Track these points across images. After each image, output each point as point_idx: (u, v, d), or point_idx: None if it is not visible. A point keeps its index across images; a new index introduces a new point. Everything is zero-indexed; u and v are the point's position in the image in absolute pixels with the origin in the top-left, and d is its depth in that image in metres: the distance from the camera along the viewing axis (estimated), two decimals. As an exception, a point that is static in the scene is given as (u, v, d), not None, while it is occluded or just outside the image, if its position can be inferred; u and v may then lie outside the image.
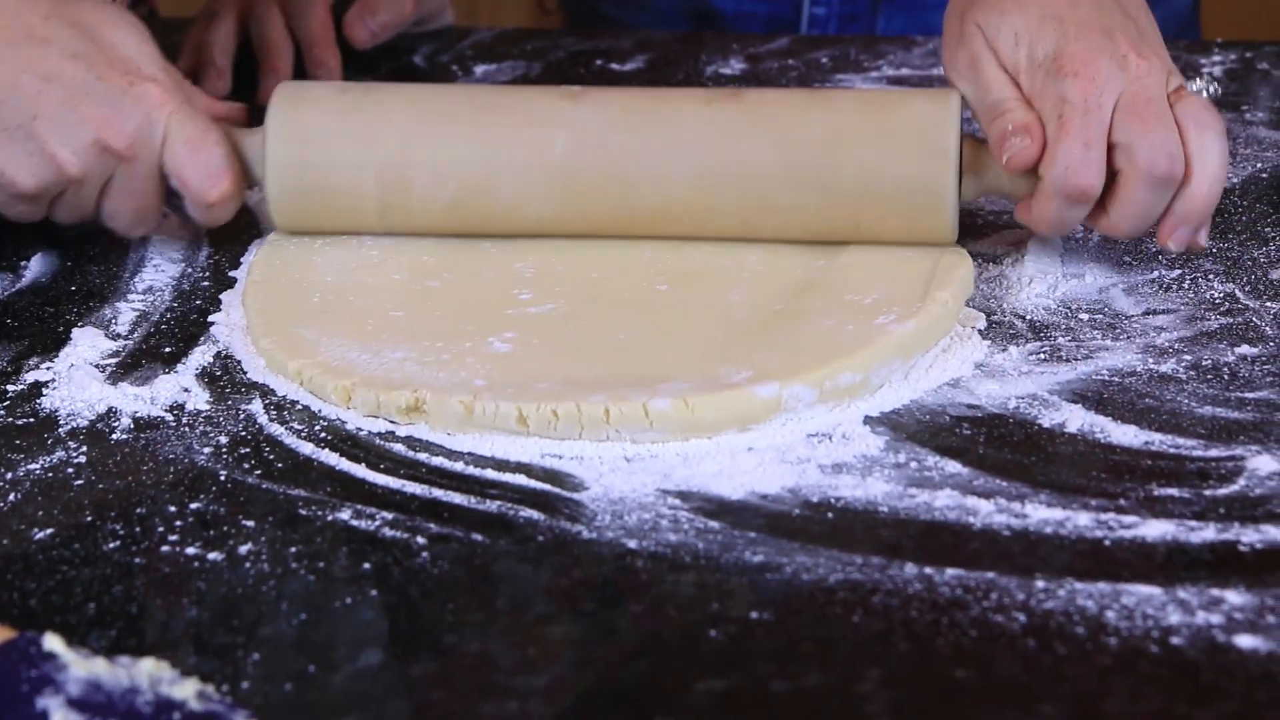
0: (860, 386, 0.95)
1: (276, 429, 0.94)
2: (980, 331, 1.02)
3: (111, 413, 0.96)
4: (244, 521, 0.86)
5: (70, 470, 0.91)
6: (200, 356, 1.01)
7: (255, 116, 1.38)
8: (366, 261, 1.09)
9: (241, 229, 1.14)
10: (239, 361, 1.01)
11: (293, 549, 0.84)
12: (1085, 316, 1.03)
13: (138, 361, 1.01)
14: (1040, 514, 0.85)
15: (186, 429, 0.94)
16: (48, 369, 1.00)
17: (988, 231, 1.13)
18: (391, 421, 0.94)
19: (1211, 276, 1.07)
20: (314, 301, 1.05)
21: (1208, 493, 0.87)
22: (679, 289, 1.06)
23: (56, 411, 0.96)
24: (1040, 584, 0.80)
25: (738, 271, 1.07)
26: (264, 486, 0.89)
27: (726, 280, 1.06)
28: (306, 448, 0.92)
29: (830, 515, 0.86)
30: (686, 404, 0.92)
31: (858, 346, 0.97)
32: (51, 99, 1.04)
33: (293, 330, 1.02)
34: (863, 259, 1.07)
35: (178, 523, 0.86)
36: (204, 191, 1.07)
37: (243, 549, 0.84)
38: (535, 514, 0.86)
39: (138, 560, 0.83)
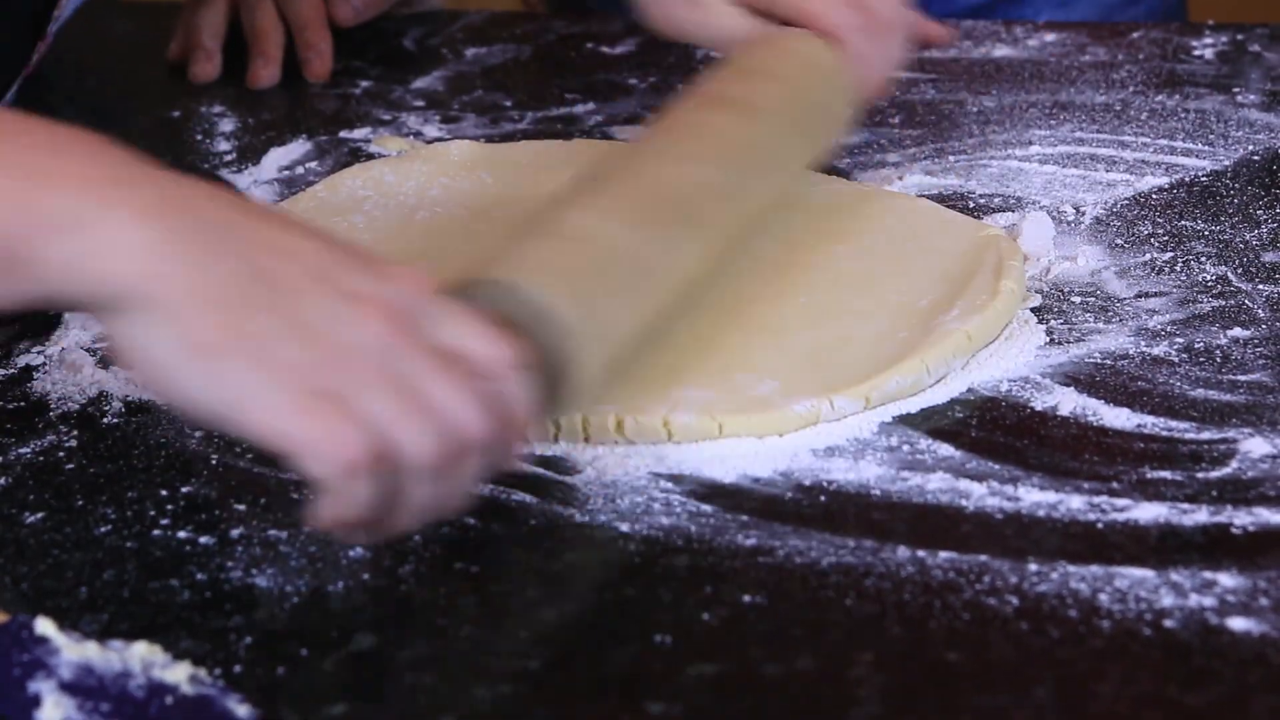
0: (912, 387, 0.93)
1: (268, 413, 0.94)
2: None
3: (103, 396, 0.95)
4: (236, 505, 0.86)
5: (61, 454, 0.90)
6: (191, 340, 1.01)
7: (246, 100, 1.38)
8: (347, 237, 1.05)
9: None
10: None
11: (284, 532, 0.84)
12: (1077, 299, 1.03)
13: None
14: (1033, 497, 0.85)
15: (178, 413, 0.94)
16: (39, 353, 1.00)
17: (978, 215, 1.13)
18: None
19: (1204, 259, 1.07)
20: None
21: (1200, 475, 0.87)
22: (686, 284, 0.99)
23: (48, 395, 0.96)
24: (1033, 567, 0.80)
25: (750, 263, 1.03)
26: (256, 470, 0.89)
27: (739, 274, 1.02)
28: (298, 431, 0.92)
29: (823, 498, 0.86)
30: (714, 420, 0.89)
31: (912, 352, 0.94)
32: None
33: None
34: (893, 255, 1.04)
35: (169, 506, 0.86)
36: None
37: (234, 532, 0.84)
38: (527, 497, 0.86)
39: (129, 544, 0.83)
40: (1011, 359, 0.97)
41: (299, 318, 0.76)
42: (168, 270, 0.75)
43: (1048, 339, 0.99)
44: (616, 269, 0.89)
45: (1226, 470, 0.87)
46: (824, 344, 0.96)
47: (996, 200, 1.15)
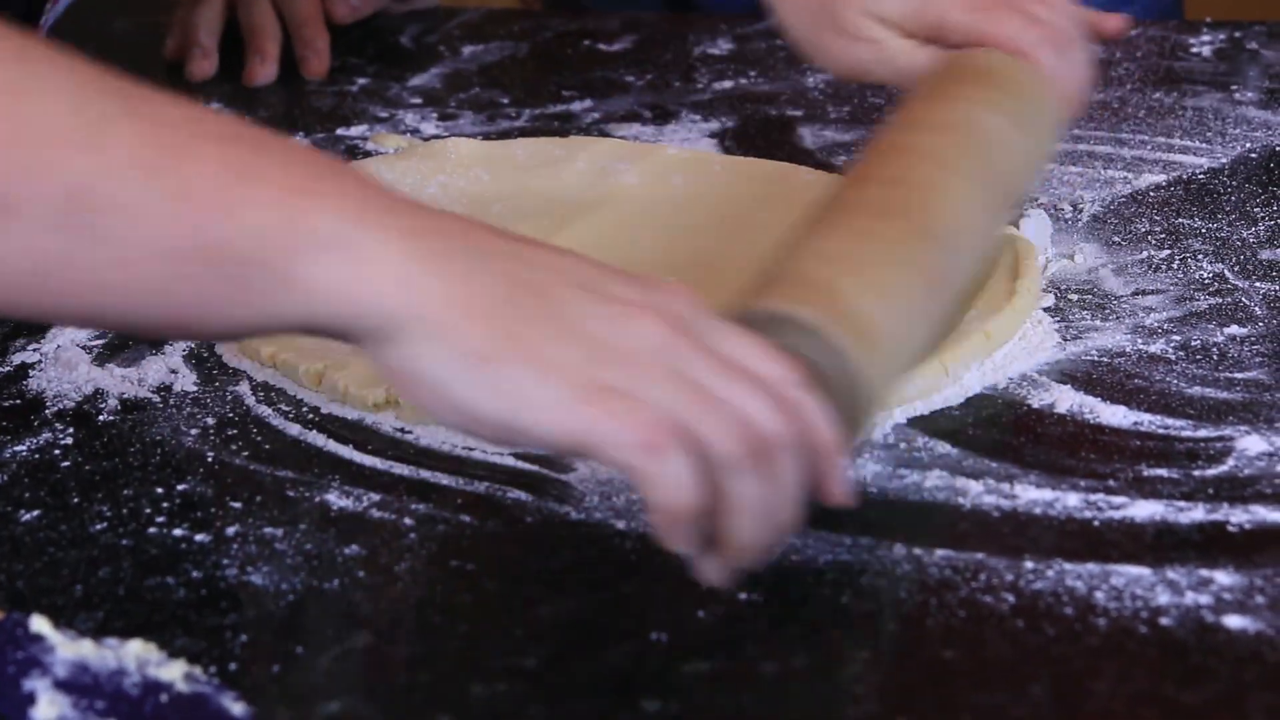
0: (930, 389, 0.92)
1: (264, 410, 0.94)
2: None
3: (99, 394, 0.95)
4: (231, 503, 0.86)
5: (57, 452, 0.90)
6: (187, 338, 1.01)
7: (243, 98, 1.38)
8: None
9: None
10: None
11: (280, 530, 0.84)
12: (1074, 297, 1.03)
13: (125, 343, 1.00)
14: (1029, 494, 0.85)
15: (174, 410, 0.94)
16: (34, 350, 1.00)
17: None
18: (376, 406, 0.93)
19: (1201, 257, 1.07)
20: None
21: (1197, 473, 0.87)
22: (685, 282, 1.01)
23: (43, 393, 0.96)
24: (1029, 564, 0.80)
25: (750, 262, 1.03)
26: (251, 468, 0.89)
27: (739, 272, 1.02)
28: (294, 429, 0.92)
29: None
30: None
31: (932, 354, 0.92)
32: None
33: None
34: None
35: (165, 504, 0.86)
36: None
37: (230, 530, 0.84)
38: (523, 495, 0.86)
39: (125, 542, 0.83)
40: (1027, 358, 0.96)
41: (571, 323, 0.74)
42: (434, 287, 0.73)
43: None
44: (898, 303, 0.84)
45: (1223, 468, 0.87)
46: None
47: (993, 198, 1.15)
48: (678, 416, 0.72)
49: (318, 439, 0.91)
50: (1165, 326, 1.00)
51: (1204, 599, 0.77)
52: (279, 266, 0.72)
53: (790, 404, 0.75)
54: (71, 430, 0.92)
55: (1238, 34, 1.42)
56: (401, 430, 0.91)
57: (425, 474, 0.88)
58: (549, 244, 0.78)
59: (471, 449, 0.90)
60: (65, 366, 0.98)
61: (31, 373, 0.98)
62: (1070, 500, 0.85)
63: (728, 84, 1.36)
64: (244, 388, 0.96)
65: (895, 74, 1.05)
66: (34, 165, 0.71)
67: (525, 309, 0.73)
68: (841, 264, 0.83)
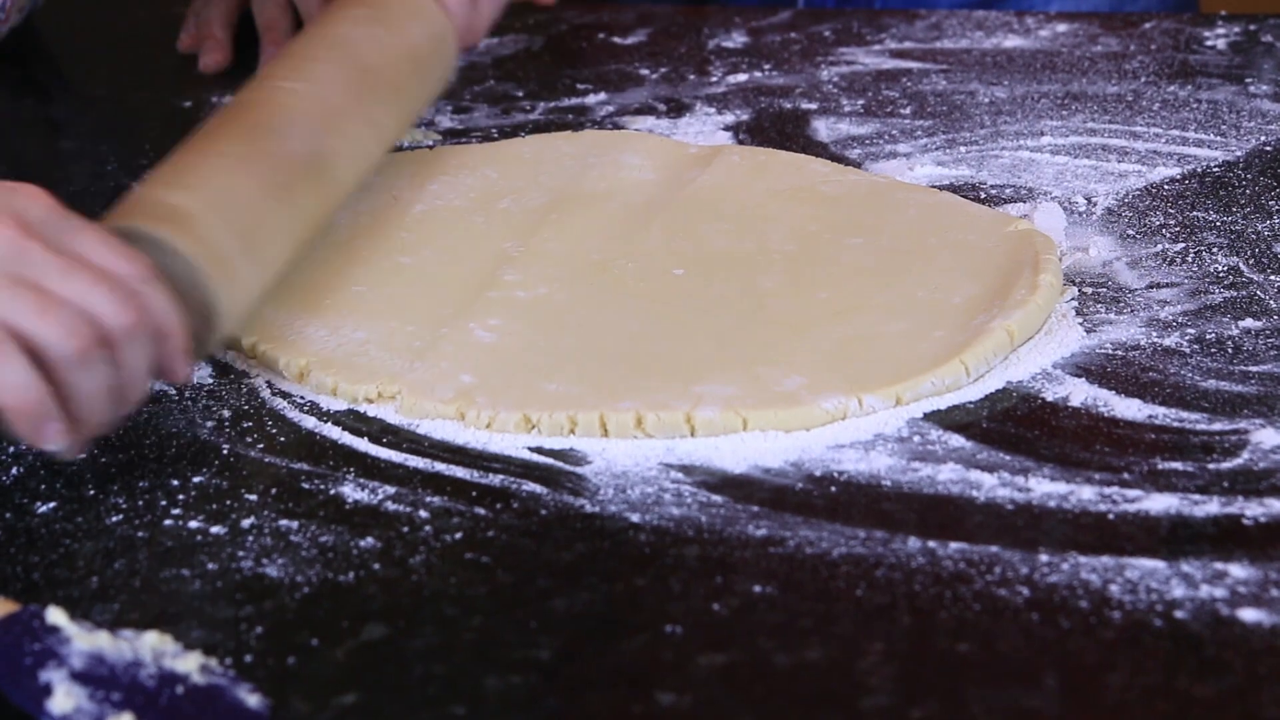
0: (949, 386, 0.92)
1: (279, 403, 0.94)
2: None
3: (114, 386, 0.95)
4: (246, 495, 0.86)
5: (73, 444, 0.90)
6: (202, 330, 1.01)
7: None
8: (330, 230, 1.04)
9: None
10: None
11: (295, 523, 0.84)
12: (1089, 290, 1.03)
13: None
14: (1044, 488, 0.85)
15: (189, 403, 0.94)
16: (50, 343, 1.00)
17: (990, 206, 1.13)
18: (369, 400, 0.93)
19: (1215, 250, 1.07)
20: None
21: (1211, 466, 0.87)
22: (698, 275, 1.00)
23: (59, 385, 0.96)
24: (1044, 558, 0.80)
25: (764, 255, 1.03)
26: (266, 460, 0.89)
27: (753, 265, 1.02)
28: (309, 421, 0.92)
29: (833, 489, 0.86)
30: (738, 415, 0.89)
31: (952, 352, 0.93)
32: None
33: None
34: (914, 249, 1.03)
35: (180, 496, 0.86)
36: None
37: (245, 522, 0.84)
38: (538, 488, 0.86)
39: (140, 533, 0.83)
40: (1051, 354, 0.96)
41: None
42: None
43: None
44: (246, 211, 0.94)
45: (1238, 461, 0.87)
46: (850, 340, 0.95)
47: (1008, 191, 1.15)
48: (12, 322, 0.79)
49: (333, 432, 0.91)
50: (1180, 320, 1.00)
51: (1219, 592, 0.77)
52: None
53: (135, 296, 0.83)
54: (87, 422, 0.92)
55: (1252, 27, 1.42)
56: (415, 423, 0.91)
57: (440, 467, 0.88)
58: None
59: (486, 443, 0.90)
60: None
61: (47, 365, 0.98)
62: (1085, 493, 0.85)
63: (742, 77, 1.36)
64: (259, 380, 0.96)
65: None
66: None
67: None
68: (186, 183, 0.93)
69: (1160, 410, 0.91)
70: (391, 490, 0.86)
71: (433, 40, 1.11)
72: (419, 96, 1.12)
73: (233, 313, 0.91)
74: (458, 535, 0.83)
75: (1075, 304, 1.01)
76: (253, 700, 0.71)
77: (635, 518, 0.84)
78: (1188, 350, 0.97)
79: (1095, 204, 1.13)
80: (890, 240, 1.05)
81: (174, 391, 0.95)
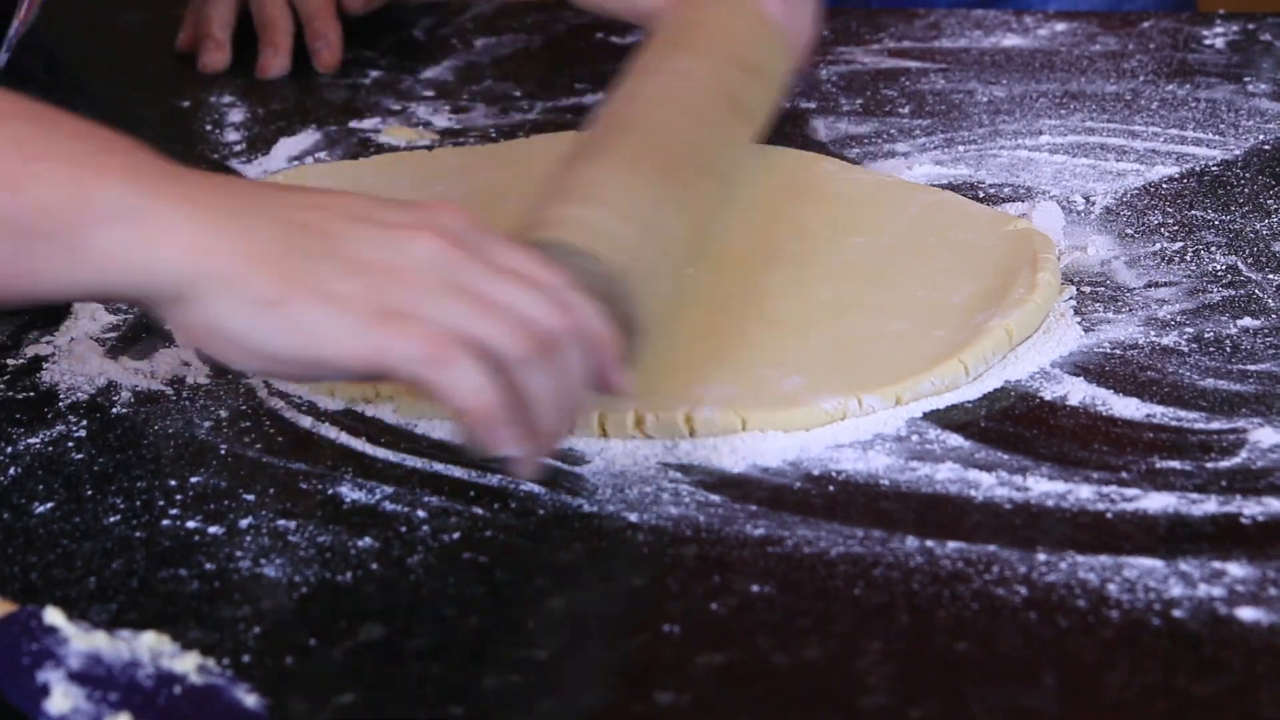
0: (948, 386, 0.92)
1: (276, 403, 0.94)
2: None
3: (112, 386, 0.95)
4: (244, 495, 0.86)
5: (70, 444, 0.90)
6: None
7: (255, 90, 1.38)
8: None
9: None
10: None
11: (293, 523, 0.84)
12: (1087, 289, 1.03)
13: (138, 335, 1.01)
14: (1042, 487, 0.85)
15: (187, 403, 0.94)
16: (48, 343, 1.00)
17: (988, 205, 1.13)
18: (366, 400, 0.93)
19: (1214, 249, 1.07)
20: None
21: (1210, 465, 0.87)
22: (701, 273, 1.00)
23: (57, 385, 0.96)
24: (1042, 557, 0.80)
25: (767, 253, 1.02)
26: (264, 460, 0.89)
27: (755, 263, 1.01)
28: (306, 421, 0.92)
29: (831, 488, 0.86)
30: (738, 415, 0.89)
31: (951, 352, 0.93)
32: None
33: None
34: (914, 248, 1.03)
35: (178, 496, 0.86)
36: None
37: (243, 522, 0.84)
38: (536, 488, 0.86)
39: (138, 534, 0.83)
40: (1050, 353, 0.96)
41: (351, 254, 0.78)
42: (221, 245, 0.78)
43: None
44: (651, 222, 0.92)
45: (1236, 460, 0.87)
46: (850, 339, 0.95)
47: (1006, 190, 1.15)
48: (461, 327, 0.78)
49: (330, 431, 0.91)
50: (1178, 319, 1.00)
51: (1217, 591, 0.77)
52: (68, 239, 0.77)
53: (565, 303, 0.81)
54: (85, 423, 0.92)
55: (1251, 26, 1.42)
56: (413, 422, 0.91)
57: (438, 466, 0.88)
58: (324, 188, 0.84)
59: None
60: (78, 359, 0.98)
61: (45, 365, 0.98)
62: (1083, 492, 0.85)
63: (740, 76, 1.36)
64: (256, 380, 0.96)
65: (631, 10, 1.15)
66: None
67: (307, 250, 0.78)
68: (603, 197, 0.92)
69: (1158, 409, 0.91)
70: (389, 490, 0.86)
71: (776, 61, 1.10)
72: (760, 126, 1.10)
73: (651, 323, 0.89)
74: (455, 535, 0.83)
75: (1074, 303, 1.01)
76: (250, 700, 0.71)
77: (633, 517, 0.84)
78: (1186, 349, 0.97)
79: (1094, 203, 1.13)
80: (891, 239, 1.05)
81: (170, 392, 0.95)
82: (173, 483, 0.87)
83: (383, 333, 0.77)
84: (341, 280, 0.78)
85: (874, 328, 0.96)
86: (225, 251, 0.78)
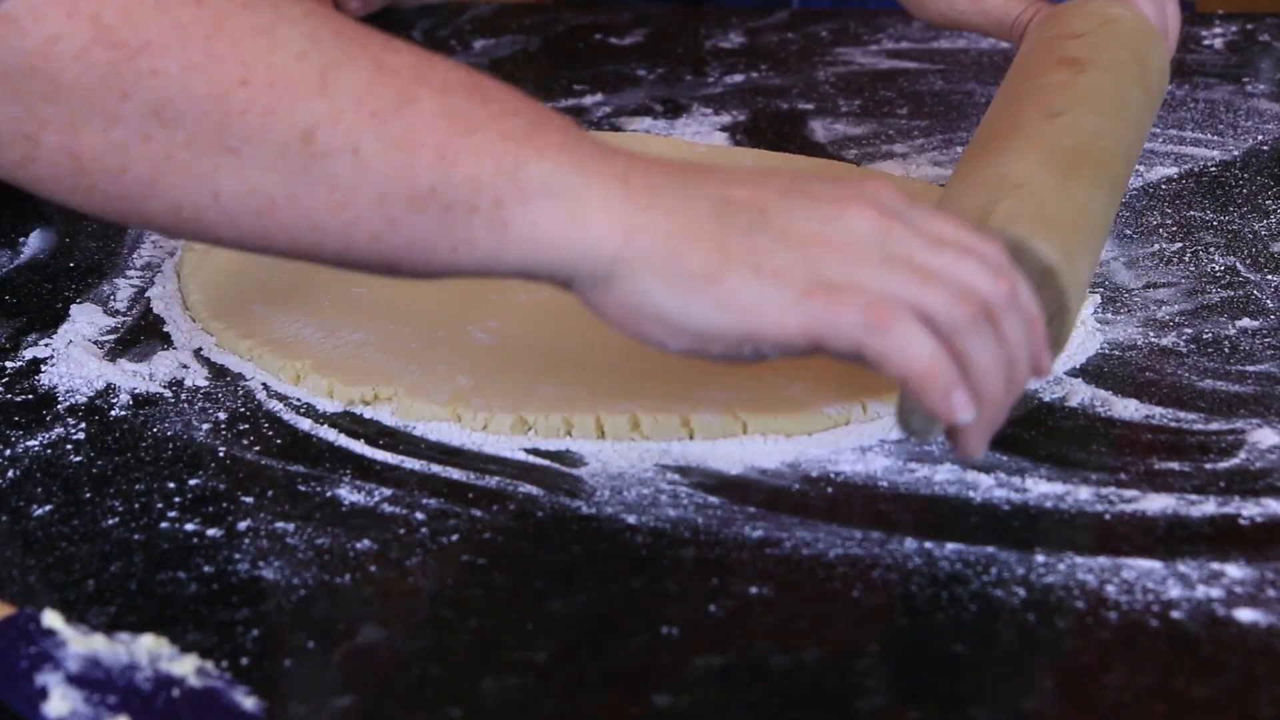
0: None
1: (275, 405, 0.94)
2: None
3: (110, 389, 0.95)
4: (243, 498, 0.86)
5: (69, 447, 0.90)
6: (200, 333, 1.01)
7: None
8: None
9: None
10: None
11: (291, 525, 0.84)
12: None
13: (136, 338, 1.01)
14: (1040, 488, 0.85)
15: (185, 405, 0.94)
16: (46, 345, 1.00)
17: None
18: (365, 402, 0.93)
19: (1212, 250, 1.07)
20: (259, 273, 1.01)
21: (1208, 466, 0.87)
22: None
23: (55, 388, 0.96)
24: (1040, 558, 0.80)
25: None
26: (263, 463, 0.89)
27: None
28: (305, 423, 0.92)
29: (830, 490, 0.86)
30: (737, 419, 0.89)
31: None
32: None
33: (234, 301, 0.97)
34: None
35: (177, 499, 0.86)
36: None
37: (241, 525, 0.84)
38: (534, 489, 0.86)
39: (137, 536, 0.83)
40: (1065, 361, 0.96)
41: (783, 228, 0.78)
42: (651, 223, 0.77)
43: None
44: (1079, 221, 0.90)
45: (1234, 461, 0.87)
46: None
47: (1005, 191, 1.15)
48: (900, 294, 0.77)
49: (329, 434, 0.91)
50: (1177, 319, 1.00)
51: (1215, 592, 0.77)
52: (497, 214, 0.77)
53: (1003, 269, 0.79)
54: (83, 425, 0.92)
55: (1249, 26, 1.42)
56: (412, 425, 0.91)
57: (436, 469, 0.88)
58: (745, 167, 0.82)
59: (482, 445, 0.90)
60: (76, 362, 0.98)
61: (43, 368, 0.98)
62: (1081, 494, 0.85)
63: (739, 77, 1.36)
64: (255, 383, 0.96)
65: (987, 19, 1.12)
66: (263, 107, 0.75)
67: (738, 224, 0.77)
68: (1033, 191, 0.90)
69: (1157, 410, 0.91)
70: (388, 492, 0.86)
71: (1160, 62, 1.09)
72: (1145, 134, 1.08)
73: (1076, 309, 0.89)
74: (454, 537, 0.83)
75: (1096, 312, 1.00)
76: (249, 703, 0.71)
77: (632, 519, 0.84)
78: (1185, 350, 0.97)
79: (1092, 204, 1.13)
80: None
81: (169, 395, 0.95)
82: (171, 485, 0.87)
83: (821, 303, 0.76)
84: (777, 254, 0.77)
85: None
86: (656, 230, 0.77)
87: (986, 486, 0.85)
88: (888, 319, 0.76)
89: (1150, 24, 1.07)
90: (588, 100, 1.33)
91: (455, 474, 0.87)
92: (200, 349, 0.99)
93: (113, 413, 0.93)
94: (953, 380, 0.77)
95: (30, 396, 0.95)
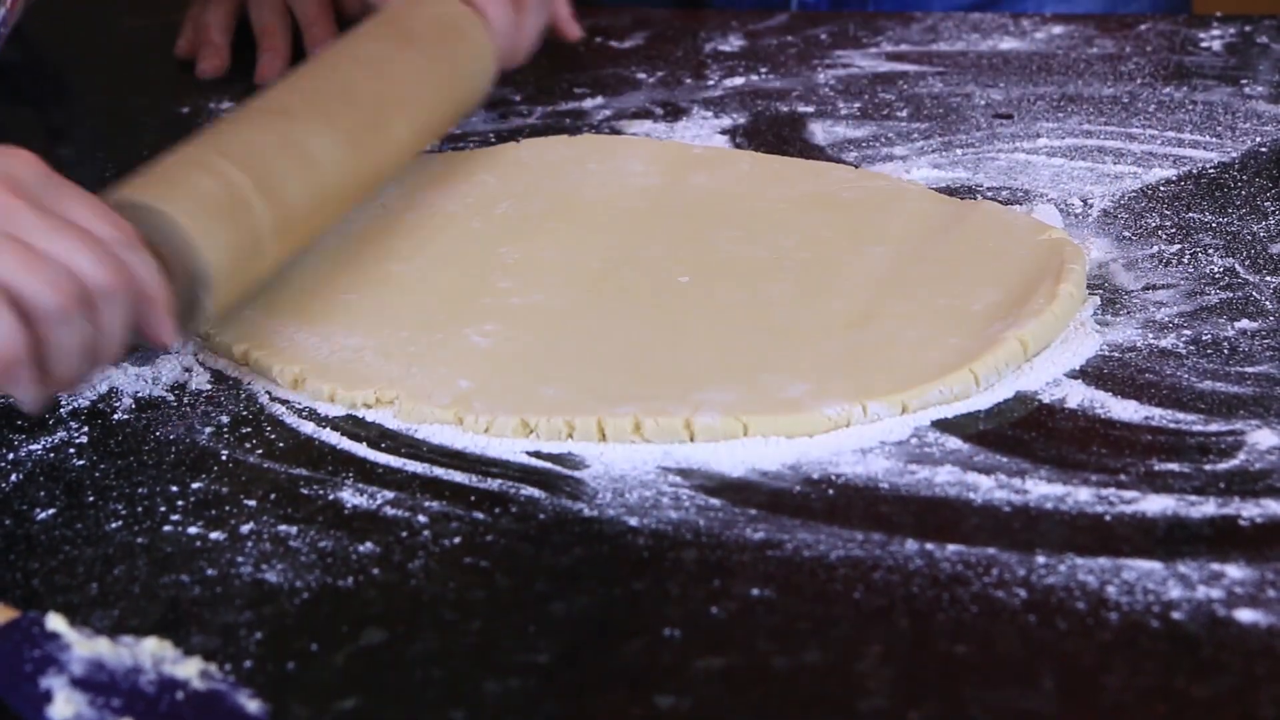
0: (959, 395, 0.91)
1: (277, 408, 0.94)
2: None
3: (113, 393, 0.96)
4: (246, 501, 0.86)
5: (72, 450, 0.91)
6: (201, 336, 1.01)
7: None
8: (322, 238, 1.03)
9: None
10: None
11: (294, 528, 0.84)
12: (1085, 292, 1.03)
13: (138, 342, 1.01)
14: (1041, 490, 0.85)
15: (188, 409, 0.94)
16: (48, 349, 1.00)
17: (987, 207, 1.13)
18: (366, 405, 0.93)
19: (1211, 251, 1.07)
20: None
21: (1208, 467, 0.87)
22: (704, 281, 0.99)
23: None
24: (1041, 559, 0.80)
25: (776, 263, 1.02)
26: (265, 466, 0.89)
27: (764, 272, 1.01)
28: (308, 427, 0.92)
29: (831, 492, 0.86)
30: (739, 421, 0.89)
31: (963, 361, 0.92)
32: None
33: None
34: (942, 256, 1.03)
35: (179, 502, 0.86)
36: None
37: (244, 528, 0.84)
38: (536, 492, 0.86)
39: (140, 540, 0.83)
40: (1065, 364, 0.96)
41: None
42: None
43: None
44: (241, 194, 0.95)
45: (1234, 462, 0.87)
46: (860, 348, 0.95)
47: (1004, 193, 1.15)
48: (1, 277, 0.82)
49: (331, 437, 0.91)
50: (1176, 321, 1.00)
51: (1215, 593, 0.77)
52: None
53: (116, 258, 0.86)
54: (86, 429, 0.93)
55: (1248, 28, 1.42)
56: (414, 428, 0.92)
57: (439, 471, 0.88)
58: None
59: (484, 447, 0.90)
60: (79, 365, 0.98)
61: (46, 372, 0.98)
62: (1081, 495, 0.85)
63: (739, 80, 1.36)
64: (257, 386, 0.96)
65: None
66: None
67: None
68: (195, 157, 0.96)
69: (1157, 412, 0.92)
70: (390, 495, 0.86)
71: (469, 59, 1.14)
72: (443, 112, 1.13)
73: (230, 276, 0.93)
74: (456, 540, 0.83)
75: (1096, 315, 1.00)
76: (252, 706, 0.71)
77: (633, 521, 0.84)
78: (1184, 351, 0.97)
79: (1091, 206, 1.13)
80: (914, 248, 1.04)
81: (172, 398, 0.95)
82: (174, 488, 0.87)
83: None
84: None
85: (887, 336, 0.96)
86: None
87: (987, 488, 0.86)
88: None
89: (477, 31, 1.14)
90: (588, 103, 1.33)
91: (457, 477, 0.88)
92: (200, 354, 0.99)
93: (115, 416, 0.94)
94: (20, 363, 0.83)
95: (33, 400, 0.95)
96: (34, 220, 0.84)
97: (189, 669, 0.72)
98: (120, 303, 0.86)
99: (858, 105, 1.30)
